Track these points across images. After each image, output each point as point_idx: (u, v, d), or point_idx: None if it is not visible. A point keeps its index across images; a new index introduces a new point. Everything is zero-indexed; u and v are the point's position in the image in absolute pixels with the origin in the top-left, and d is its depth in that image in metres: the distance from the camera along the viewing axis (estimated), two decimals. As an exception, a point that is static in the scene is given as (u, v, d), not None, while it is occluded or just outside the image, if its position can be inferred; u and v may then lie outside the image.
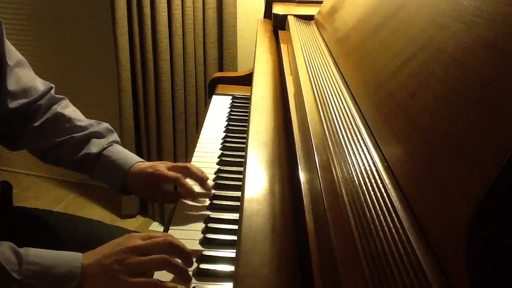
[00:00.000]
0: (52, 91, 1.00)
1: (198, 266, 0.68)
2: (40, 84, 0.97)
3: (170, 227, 0.78)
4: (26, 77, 0.94)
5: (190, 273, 0.67)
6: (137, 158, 0.94)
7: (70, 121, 0.96)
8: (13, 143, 0.98)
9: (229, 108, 1.28)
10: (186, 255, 0.67)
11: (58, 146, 0.94)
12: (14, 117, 0.93)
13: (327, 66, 0.85)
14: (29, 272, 0.63)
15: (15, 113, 0.92)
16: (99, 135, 0.95)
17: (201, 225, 0.78)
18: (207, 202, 0.85)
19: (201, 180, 0.88)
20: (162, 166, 0.90)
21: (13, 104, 0.91)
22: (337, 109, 0.65)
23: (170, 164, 0.92)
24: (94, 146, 0.93)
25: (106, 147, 0.93)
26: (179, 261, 0.67)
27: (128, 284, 0.64)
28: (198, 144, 1.07)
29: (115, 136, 0.98)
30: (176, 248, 0.67)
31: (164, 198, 0.94)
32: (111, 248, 0.67)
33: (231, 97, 1.35)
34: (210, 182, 0.90)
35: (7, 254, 0.64)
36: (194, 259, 0.69)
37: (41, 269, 0.64)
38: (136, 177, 0.90)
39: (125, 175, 0.91)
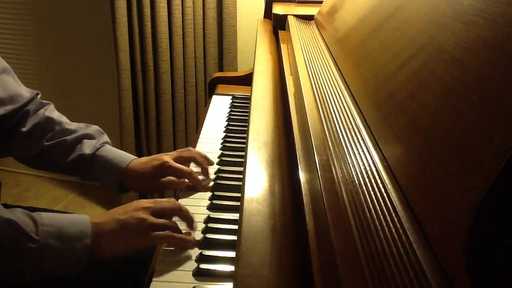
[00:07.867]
0: (39, 96, 1.00)
1: (198, 266, 0.68)
2: (24, 91, 0.97)
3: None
4: (12, 84, 0.94)
5: (190, 273, 0.67)
6: (131, 156, 0.94)
7: (60, 124, 0.96)
8: (0, 151, 0.97)
9: (229, 108, 1.28)
10: (191, 221, 0.76)
11: (49, 150, 0.94)
12: (1, 124, 0.92)
13: (327, 66, 0.85)
14: (45, 233, 0.66)
15: (3, 119, 0.91)
16: (90, 136, 0.96)
17: (201, 225, 0.78)
18: (207, 202, 0.85)
19: (207, 165, 0.94)
20: (168, 157, 0.91)
21: (1, 111, 0.90)
22: (337, 109, 0.65)
23: (175, 153, 0.93)
24: (87, 147, 0.93)
25: (99, 148, 0.94)
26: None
27: (148, 236, 0.69)
28: (198, 144, 1.07)
29: (106, 138, 0.99)
30: (183, 213, 0.75)
31: (169, 187, 0.92)
32: (123, 208, 0.73)
33: (231, 97, 1.35)
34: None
35: (23, 217, 0.66)
36: (194, 259, 0.70)
37: (55, 230, 0.67)
38: (137, 172, 0.91)
39: (124, 172, 0.91)
